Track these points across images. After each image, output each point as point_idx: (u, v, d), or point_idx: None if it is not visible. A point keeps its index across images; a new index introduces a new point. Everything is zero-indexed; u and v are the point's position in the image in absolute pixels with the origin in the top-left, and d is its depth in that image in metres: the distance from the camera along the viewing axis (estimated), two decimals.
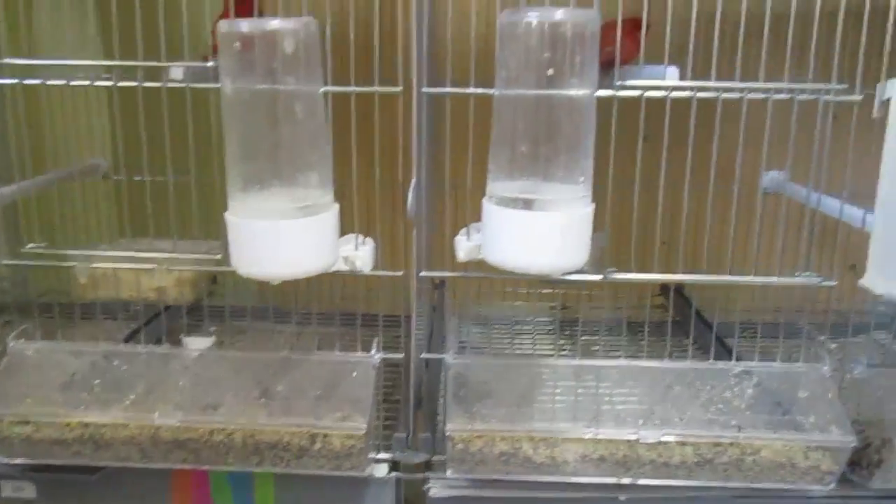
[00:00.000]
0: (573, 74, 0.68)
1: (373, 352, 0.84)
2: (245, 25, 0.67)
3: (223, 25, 0.67)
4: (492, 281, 1.16)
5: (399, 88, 0.77)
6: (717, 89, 0.76)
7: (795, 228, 0.84)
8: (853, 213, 0.81)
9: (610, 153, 0.77)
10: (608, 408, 0.80)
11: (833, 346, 1.29)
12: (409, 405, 0.83)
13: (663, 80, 0.79)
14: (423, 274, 0.82)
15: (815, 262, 0.83)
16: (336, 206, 0.74)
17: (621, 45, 0.79)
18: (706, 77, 0.76)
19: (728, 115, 0.78)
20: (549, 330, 1.23)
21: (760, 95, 0.76)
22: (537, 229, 0.68)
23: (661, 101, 0.78)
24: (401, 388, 0.88)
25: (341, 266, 0.80)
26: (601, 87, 0.73)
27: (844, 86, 0.76)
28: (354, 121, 0.77)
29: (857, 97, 0.76)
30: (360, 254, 0.80)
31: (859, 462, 0.78)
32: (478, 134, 0.77)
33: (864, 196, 0.79)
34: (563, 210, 0.69)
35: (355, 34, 0.76)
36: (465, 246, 0.79)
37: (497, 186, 0.72)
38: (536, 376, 0.82)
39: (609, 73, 0.90)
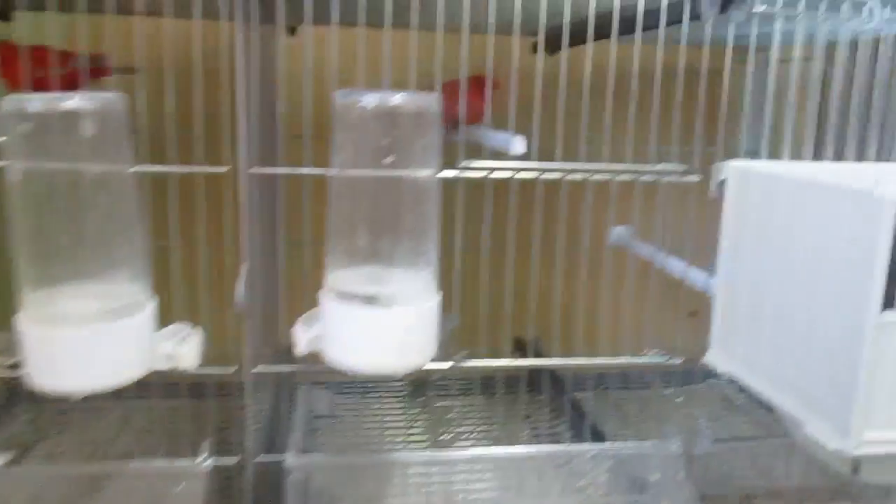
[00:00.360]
0: (413, 160, 0.63)
1: (202, 458, 0.75)
2: (35, 104, 0.57)
3: (7, 103, 0.57)
4: None
5: (225, 168, 0.69)
6: (562, 171, 0.74)
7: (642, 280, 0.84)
8: (696, 275, 0.82)
9: (456, 232, 0.73)
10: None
11: (679, 399, 1.33)
12: None
13: (508, 157, 0.76)
14: (257, 370, 0.74)
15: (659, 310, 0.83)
16: (152, 303, 0.65)
17: (467, 103, 0.77)
18: (551, 153, 0.75)
19: (574, 189, 0.77)
20: (403, 396, 1.18)
21: (605, 177, 0.75)
22: (381, 328, 0.63)
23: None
24: (235, 493, 0.79)
25: (161, 365, 0.71)
26: (446, 140, 0.70)
27: (684, 167, 0.76)
28: (177, 205, 0.69)
29: (694, 178, 0.77)
30: (184, 350, 0.71)
31: None
32: (317, 216, 0.72)
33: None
34: (407, 304, 0.64)
35: (179, 110, 0.69)
36: (304, 337, 0.72)
37: (336, 277, 0.66)
38: (385, 475, 0.76)
39: (454, 131, 0.87)
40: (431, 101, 0.62)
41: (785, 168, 0.74)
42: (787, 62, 0.79)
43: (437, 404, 1.16)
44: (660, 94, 0.74)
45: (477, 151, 0.77)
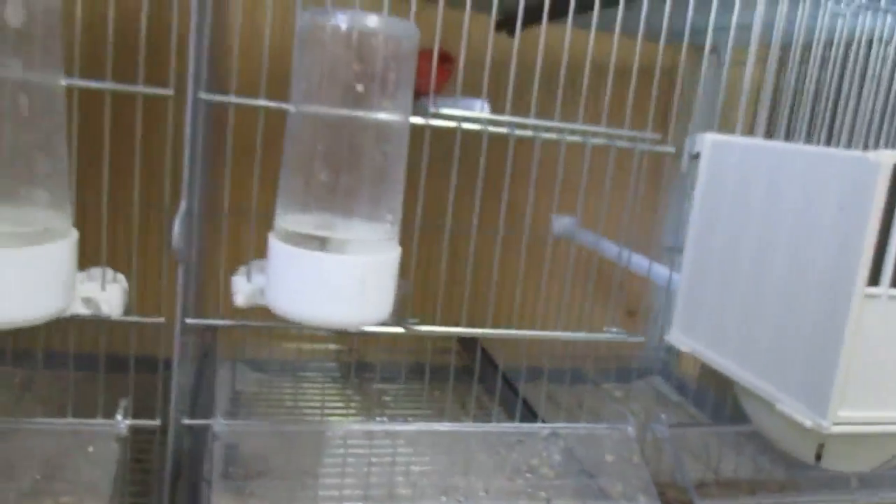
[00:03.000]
0: (385, 95, 0.58)
1: (118, 418, 0.66)
2: None
3: None
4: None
5: (169, 91, 0.62)
6: (535, 127, 0.70)
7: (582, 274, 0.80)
8: (640, 262, 0.79)
9: (419, 189, 0.68)
10: (403, 480, 0.69)
11: (618, 393, 1.31)
12: (165, 488, 0.66)
13: (479, 112, 0.72)
14: (189, 321, 0.66)
15: (596, 309, 0.80)
16: (74, 234, 0.57)
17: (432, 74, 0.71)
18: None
19: (525, 157, 0.73)
20: (337, 377, 1.11)
21: (578, 138, 0.71)
22: (334, 275, 0.57)
23: (476, 136, 0.71)
24: (156, 458, 0.71)
25: (80, 309, 0.63)
26: (413, 114, 0.64)
27: (658, 136, 0.73)
28: (108, 127, 0.61)
29: (670, 148, 0.74)
30: (106, 295, 0.63)
31: None
32: (268, 156, 0.65)
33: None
34: (365, 253, 0.58)
35: (121, 23, 0.61)
36: (243, 288, 0.65)
37: (287, 220, 0.59)
38: (322, 445, 0.70)
39: (418, 102, 0.83)
40: (411, 30, 0.57)
41: (763, 142, 0.72)
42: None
43: (374, 386, 1.10)
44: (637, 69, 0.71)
45: None
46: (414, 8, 0.63)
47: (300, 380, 1.06)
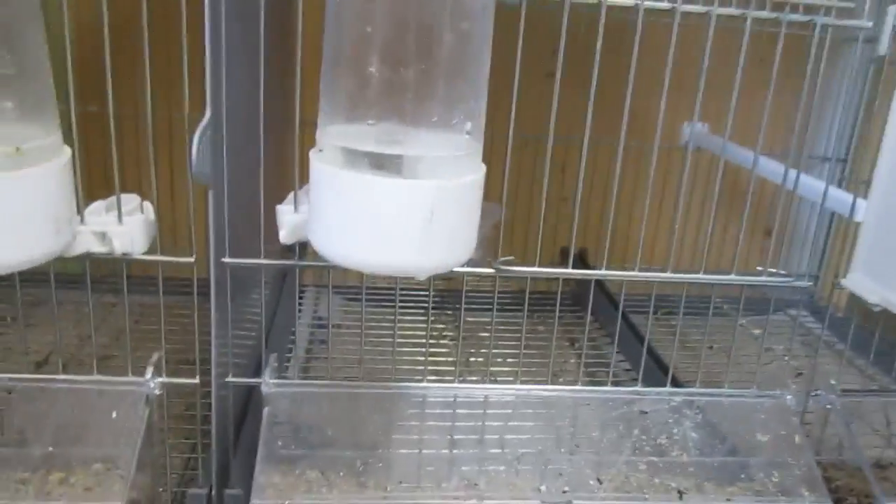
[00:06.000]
0: None
1: (147, 376, 0.55)
2: None
3: None
4: None
5: None
6: None
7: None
8: (840, 197, 0.59)
9: (513, 86, 0.51)
10: (495, 469, 0.54)
11: (756, 331, 1.11)
12: (212, 453, 0.55)
13: None
14: (226, 261, 0.53)
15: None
16: (65, 153, 0.45)
17: None
18: None
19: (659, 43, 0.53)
20: (434, 304, 0.98)
21: (734, 9, 0.52)
22: (391, 206, 0.41)
23: (591, 15, 0.52)
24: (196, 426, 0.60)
25: (92, 246, 0.51)
26: None
27: (851, 3, 0.52)
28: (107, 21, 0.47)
29: (866, 23, 0.53)
30: (123, 229, 0.51)
31: None
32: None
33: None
34: (438, 176, 0.42)
35: None
36: (289, 220, 0.51)
37: (329, 132, 0.44)
38: (396, 410, 0.57)
39: None
40: None
41: None
42: None
43: (469, 319, 0.96)
44: None
45: None
46: None
47: (385, 309, 0.93)
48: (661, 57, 0.53)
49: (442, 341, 0.97)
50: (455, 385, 0.59)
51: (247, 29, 0.51)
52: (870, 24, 0.52)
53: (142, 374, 0.55)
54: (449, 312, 1.07)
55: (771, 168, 0.72)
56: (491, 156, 0.47)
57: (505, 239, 0.56)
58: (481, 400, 0.58)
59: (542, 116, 0.53)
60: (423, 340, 0.84)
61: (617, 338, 0.65)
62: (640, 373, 0.69)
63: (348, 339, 0.90)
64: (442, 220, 0.42)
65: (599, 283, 0.98)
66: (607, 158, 0.59)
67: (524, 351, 0.60)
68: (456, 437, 0.56)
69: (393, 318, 0.63)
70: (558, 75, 0.52)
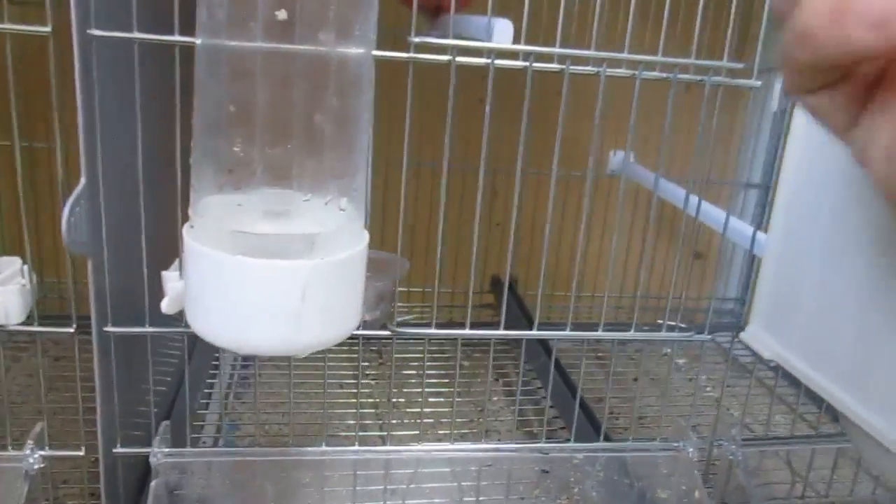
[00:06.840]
0: (346, 27, 0.39)
1: (27, 451, 0.52)
2: None
3: None
4: None
5: (47, 28, 0.45)
6: (562, 57, 0.50)
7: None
8: (740, 228, 0.60)
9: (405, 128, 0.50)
10: None
11: (681, 361, 1.13)
12: None
13: (489, 41, 0.52)
14: (108, 330, 0.51)
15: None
16: None
17: None
18: (549, 43, 0.50)
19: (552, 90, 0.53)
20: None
21: (624, 71, 0.51)
22: (266, 288, 0.40)
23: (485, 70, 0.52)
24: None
25: None
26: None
27: (740, 65, 0.52)
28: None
29: (754, 82, 0.53)
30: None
31: None
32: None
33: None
34: (310, 255, 0.41)
35: None
36: (173, 287, 0.49)
37: (204, 206, 0.42)
38: (292, 478, 0.55)
39: (431, 22, 0.67)
40: None
41: None
42: None
43: (397, 356, 0.94)
44: None
45: None
46: None
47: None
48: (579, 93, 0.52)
49: (364, 381, 0.96)
50: (356, 448, 0.58)
51: (124, 91, 0.49)
52: (758, 83, 0.53)
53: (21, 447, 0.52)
54: (375, 350, 1.06)
55: (679, 194, 0.72)
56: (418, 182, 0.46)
57: (430, 265, 0.55)
58: (383, 461, 0.57)
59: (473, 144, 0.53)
60: (355, 391, 0.83)
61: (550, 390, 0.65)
62: (573, 430, 0.68)
63: (263, 385, 0.88)
64: (316, 298, 0.40)
65: (522, 307, 0.98)
66: (535, 187, 0.59)
67: (456, 399, 0.59)
68: (357, 503, 0.55)
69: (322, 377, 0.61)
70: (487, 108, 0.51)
